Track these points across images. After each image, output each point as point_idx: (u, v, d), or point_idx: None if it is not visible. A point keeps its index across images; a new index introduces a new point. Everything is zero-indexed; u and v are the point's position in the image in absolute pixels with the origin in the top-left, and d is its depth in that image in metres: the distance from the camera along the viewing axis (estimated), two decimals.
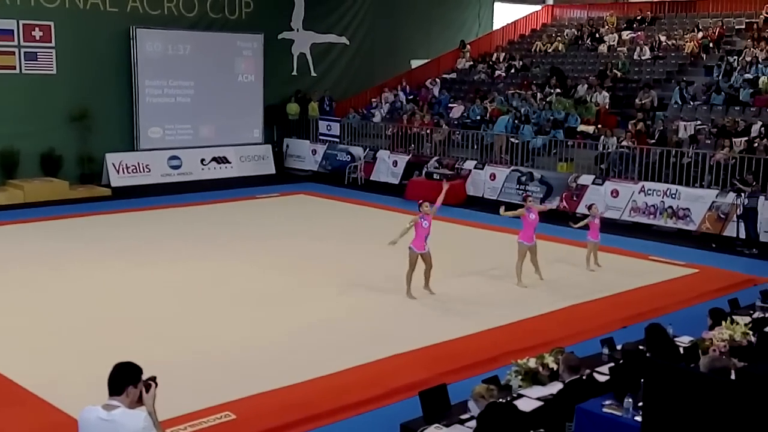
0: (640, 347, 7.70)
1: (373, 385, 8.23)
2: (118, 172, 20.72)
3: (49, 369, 8.60)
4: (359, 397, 7.94)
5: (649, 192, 16.85)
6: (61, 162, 19.92)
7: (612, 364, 7.40)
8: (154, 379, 4.41)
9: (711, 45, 22.56)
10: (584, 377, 6.96)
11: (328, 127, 23.09)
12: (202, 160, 22.26)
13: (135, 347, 8.45)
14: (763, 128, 16.98)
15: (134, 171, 21.03)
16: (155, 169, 21.37)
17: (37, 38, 19.57)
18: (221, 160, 22.60)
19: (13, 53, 19.27)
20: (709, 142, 17.38)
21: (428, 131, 21.50)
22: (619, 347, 8.03)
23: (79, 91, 20.02)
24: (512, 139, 19.79)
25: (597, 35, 25.49)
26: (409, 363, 8.84)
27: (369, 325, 10.25)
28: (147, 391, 4.37)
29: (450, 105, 23.37)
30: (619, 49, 24.09)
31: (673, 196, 16.47)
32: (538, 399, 6.85)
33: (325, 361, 8.75)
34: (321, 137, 23.30)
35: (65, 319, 10.25)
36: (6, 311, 10.51)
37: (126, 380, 4.33)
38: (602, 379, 7.18)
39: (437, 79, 25.24)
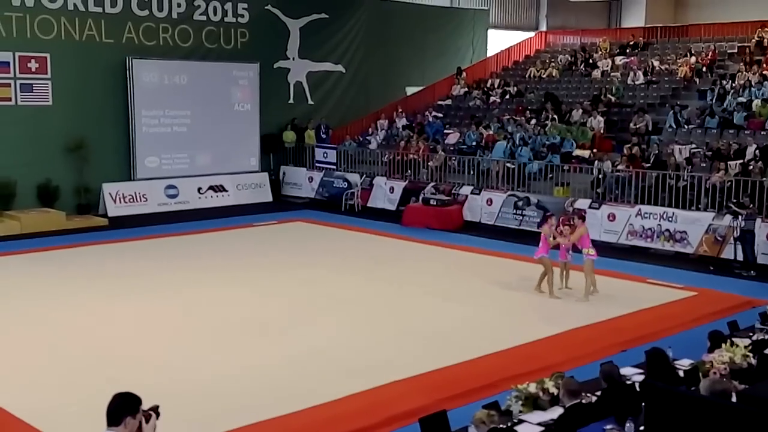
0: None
1: (373, 413, 8.16)
2: (115, 201, 20.72)
3: (47, 400, 8.53)
4: (358, 426, 7.88)
5: (645, 215, 16.87)
6: (57, 193, 19.92)
7: None
8: (156, 409, 4.35)
9: (704, 69, 22.74)
10: (584, 402, 6.92)
11: (325, 155, 23.14)
12: (199, 189, 22.28)
13: (132, 377, 8.40)
14: (757, 151, 17.06)
15: (131, 201, 21.03)
16: (152, 199, 21.37)
17: (33, 70, 19.64)
18: (218, 189, 22.62)
19: (9, 85, 19.32)
20: (704, 165, 17.44)
21: (425, 156, 21.56)
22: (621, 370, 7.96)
23: (75, 121, 20.08)
24: (508, 164, 19.85)
25: (590, 61, 25.67)
26: (409, 390, 8.79)
27: (367, 352, 10.21)
28: (147, 421, 4.31)
29: (446, 132, 23.45)
30: (612, 74, 24.27)
31: (670, 219, 16.50)
32: (539, 424, 6.81)
33: (323, 389, 8.70)
34: (318, 165, 23.34)
35: (62, 349, 10.18)
36: (3, 343, 10.45)
37: (124, 411, 4.27)
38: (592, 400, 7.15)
39: (437, 104, 25.38)
